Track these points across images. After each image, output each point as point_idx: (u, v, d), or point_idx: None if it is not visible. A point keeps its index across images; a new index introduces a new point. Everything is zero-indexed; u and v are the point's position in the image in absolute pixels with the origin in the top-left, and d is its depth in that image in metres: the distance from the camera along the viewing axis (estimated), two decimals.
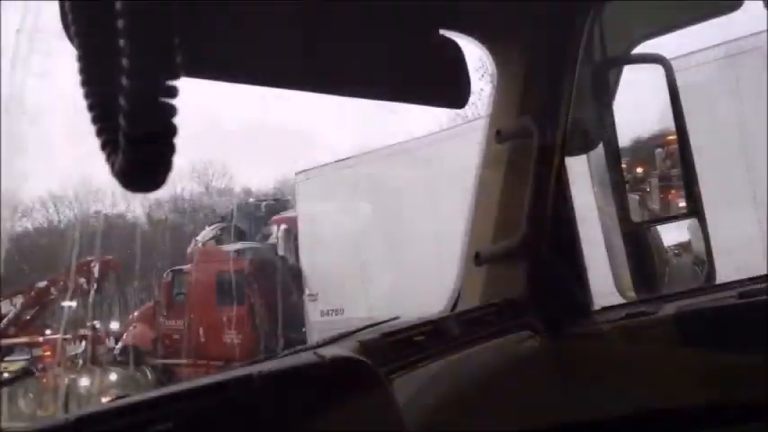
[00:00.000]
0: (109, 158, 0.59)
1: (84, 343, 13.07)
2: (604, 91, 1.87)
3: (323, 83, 1.34)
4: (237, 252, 12.29)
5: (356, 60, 1.35)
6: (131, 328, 14.14)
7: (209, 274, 12.11)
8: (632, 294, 1.83)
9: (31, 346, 13.98)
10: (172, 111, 0.57)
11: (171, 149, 0.58)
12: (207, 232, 14.30)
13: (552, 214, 1.72)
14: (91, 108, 0.60)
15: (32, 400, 9.85)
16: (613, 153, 1.87)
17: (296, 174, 11.90)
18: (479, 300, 1.74)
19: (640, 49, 1.91)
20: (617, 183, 1.86)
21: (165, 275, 13.50)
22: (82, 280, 13.25)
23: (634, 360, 1.63)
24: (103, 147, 0.59)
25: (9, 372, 12.05)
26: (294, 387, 1.00)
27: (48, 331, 14.46)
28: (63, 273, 13.65)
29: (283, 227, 12.33)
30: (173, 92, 0.56)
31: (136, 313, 14.85)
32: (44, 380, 11.71)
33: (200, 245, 13.90)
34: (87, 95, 0.60)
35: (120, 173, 0.58)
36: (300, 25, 1.19)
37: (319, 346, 1.35)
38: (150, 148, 0.57)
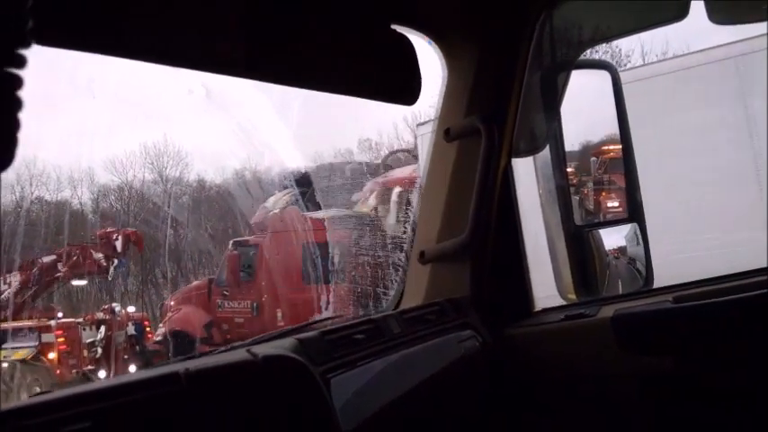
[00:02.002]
0: None
1: (102, 328, 11.29)
2: (552, 94, 1.88)
3: (269, 72, 1.30)
4: (331, 220, 9.69)
5: (304, 51, 1.31)
6: (173, 311, 11.98)
7: (294, 246, 9.63)
8: (573, 296, 1.86)
9: (39, 330, 11.63)
10: (16, 82, 0.51)
11: (14, 124, 0.52)
12: (279, 198, 11.16)
13: (497, 215, 1.72)
14: None
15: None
16: (559, 156, 1.89)
17: (418, 126, 9.52)
18: (423, 298, 1.73)
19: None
20: (562, 186, 1.88)
21: (229, 248, 11.14)
22: (98, 255, 11.58)
23: (573, 361, 1.65)
24: None
25: (10, 361, 10.55)
26: (222, 386, 0.96)
27: (59, 314, 12.24)
28: (76, 247, 11.92)
29: (397, 189, 9.67)
30: (18, 61, 0.51)
31: (178, 294, 12.75)
32: (56, 371, 10.65)
33: (274, 212, 10.69)
34: None
35: None
36: (243, 8, 1.15)
37: (255, 342, 1.31)
38: None
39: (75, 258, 11.68)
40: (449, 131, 1.74)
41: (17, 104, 0.52)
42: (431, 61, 1.74)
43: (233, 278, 10.61)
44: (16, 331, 11.59)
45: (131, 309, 12.83)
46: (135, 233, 12.26)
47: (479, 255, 1.70)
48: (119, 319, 11.61)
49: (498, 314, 1.71)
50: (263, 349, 1.09)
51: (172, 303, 12.41)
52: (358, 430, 1.16)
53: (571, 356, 1.65)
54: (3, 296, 12.51)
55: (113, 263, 11.66)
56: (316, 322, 1.63)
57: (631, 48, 15.67)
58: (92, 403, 0.87)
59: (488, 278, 1.72)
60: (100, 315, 11.74)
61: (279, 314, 9.86)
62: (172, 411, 0.90)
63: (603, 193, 9.73)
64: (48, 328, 11.41)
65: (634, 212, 1.96)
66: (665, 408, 1.56)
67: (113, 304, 12.00)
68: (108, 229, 11.94)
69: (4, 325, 11.88)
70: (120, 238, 11.54)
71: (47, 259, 12.33)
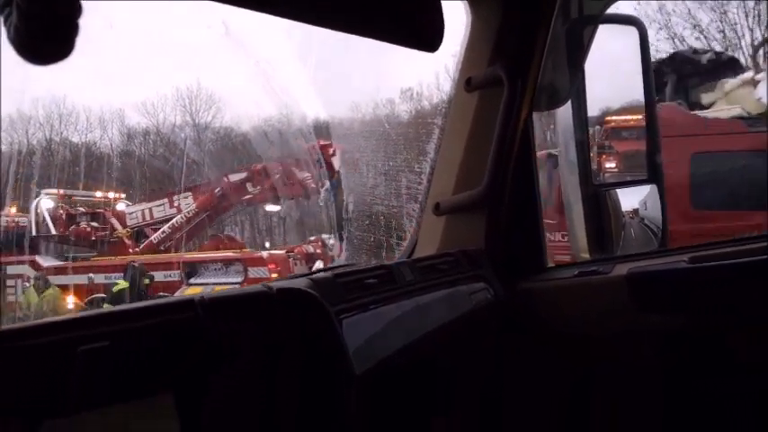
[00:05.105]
0: (6, 21, 0.51)
1: (319, 263, 9.26)
2: (577, 49, 1.84)
3: (286, 7, 1.26)
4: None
5: None
6: None
7: (680, 158, 6.51)
8: (586, 255, 1.85)
9: (244, 263, 9.59)
10: None
11: (75, 9, 0.50)
12: None
13: (515, 168, 1.70)
14: None
15: None
16: (581, 113, 1.86)
17: None
18: (436, 249, 1.72)
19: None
20: (582, 143, 1.85)
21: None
22: (305, 174, 9.72)
23: (585, 317, 1.65)
24: (1, 9, 0.52)
25: None
26: (236, 314, 0.96)
27: (266, 244, 10.51)
28: (274, 163, 9.94)
29: None
30: None
31: None
32: None
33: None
34: None
35: (15, 36, 0.50)
36: None
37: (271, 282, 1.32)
38: (49, 4, 0.50)
39: (275, 177, 9.83)
40: (470, 81, 1.70)
41: None
42: (454, 8, 1.69)
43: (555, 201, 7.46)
44: (198, 264, 9.91)
45: (331, 241, 10.25)
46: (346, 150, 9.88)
47: (495, 207, 1.69)
48: (330, 254, 9.69)
49: (512, 268, 1.70)
50: (277, 284, 1.09)
51: None
52: (368, 373, 1.16)
53: (583, 312, 1.65)
54: (173, 222, 10.64)
55: (324, 184, 9.47)
56: (329, 269, 1.63)
57: None
58: (109, 325, 0.87)
59: (503, 231, 1.70)
60: (309, 248, 9.99)
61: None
62: (186, 335, 0.91)
63: (604, 156, 10.05)
64: (257, 261, 9.66)
65: (653, 173, 1.94)
66: (678, 365, 1.56)
67: (323, 236, 9.98)
68: (322, 142, 9.76)
69: (198, 256, 10.13)
70: (338, 153, 9.34)
71: (234, 177, 10.42)
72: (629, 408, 1.63)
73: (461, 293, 1.55)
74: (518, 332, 1.67)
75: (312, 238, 10.25)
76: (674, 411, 1.59)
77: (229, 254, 10.18)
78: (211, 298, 0.94)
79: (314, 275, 1.29)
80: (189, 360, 0.90)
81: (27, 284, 10.08)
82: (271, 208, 10.59)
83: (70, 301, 9.45)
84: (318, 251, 9.83)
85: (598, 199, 1.85)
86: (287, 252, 10.20)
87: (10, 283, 10.34)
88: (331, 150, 9.56)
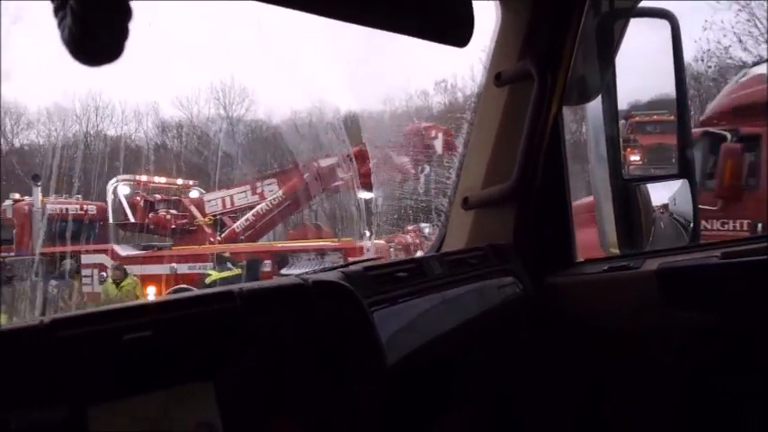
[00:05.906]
0: (60, 24, 0.54)
1: (419, 254, 7.26)
2: (608, 43, 1.82)
3: (312, 3, 1.27)
4: None
5: None
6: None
7: None
8: (616, 251, 1.84)
9: (345, 252, 9.07)
10: None
11: (126, 13, 0.53)
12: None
13: (544, 163, 1.70)
14: None
15: None
16: (611, 108, 1.84)
17: None
18: (465, 244, 1.73)
19: None
20: (612, 137, 1.83)
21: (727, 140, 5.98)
22: (402, 159, 9.15)
23: (614, 312, 1.65)
24: (56, 11, 0.54)
25: None
26: (272, 306, 0.99)
27: (365, 233, 9.52)
28: (367, 148, 9.34)
29: None
30: None
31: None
32: None
33: None
34: None
35: (69, 38, 0.53)
36: None
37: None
38: (101, 8, 0.52)
39: (371, 162, 9.20)
40: (500, 76, 1.70)
41: None
42: (484, 3, 1.69)
43: (722, 186, 5.84)
44: (296, 253, 9.52)
45: (428, 229, 9.47)
46: (451, 133, 9.09)
47: (524, 202, 1.69)
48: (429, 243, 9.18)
49: (541, 262, 1.70)
50: (313, 276, 1.12)
51: None
52: (398, 365, 1.18)
53: (613, 308, 1.64)
54: (257, 209, 10.30)
55: (423, 169, 8.91)
56: (358, 262, 1.65)
57: None
58: (151, 315, 0.90)
59: (532, 226, 1.71)
60: (408, 238, 9.57)
61: None
62: (226, 325, 0.93)
63: (629, 149, 10.55)
64: (359, 251, 9.08)
65: (684, 168, 1.92)
66: (708, 362, 1.55)
67: (421, 224, 9.40)
68: (424, 124, 9.46)
69: (292, 245, 9.79)
70: (440, 136, 8.90)
71: (324, 163, 9.93)
72: (652, 403, 1.62)
73: (490, 287, 1.56)
74: (547, 327, 1.67)
75: (410, 227, 9.76)
76: (698, 409, 1.58)
77: (328, 243, 9.80)
78: (250, 289, 0.97)
79: (345, 269, 1.31)
80: (228, 350, 0.93)
81: (104, 275, 9.97)
82: (364, 195, 9.82)
83: (150, 291, 9.32)
84: (418, 240, 9.33)
85: (628, 193, 1.84)
86: (386, 242, 9.89)
87: (86, 272, 10.30)
88: (433, 133, 9.14)
